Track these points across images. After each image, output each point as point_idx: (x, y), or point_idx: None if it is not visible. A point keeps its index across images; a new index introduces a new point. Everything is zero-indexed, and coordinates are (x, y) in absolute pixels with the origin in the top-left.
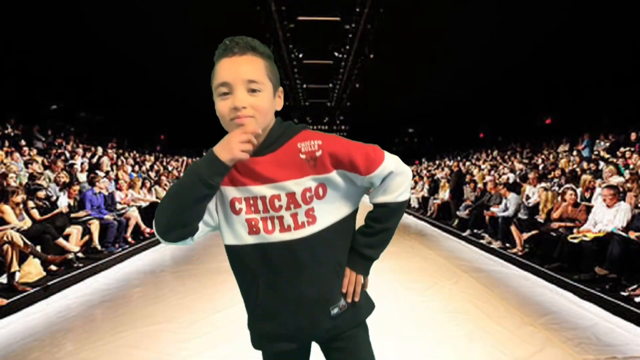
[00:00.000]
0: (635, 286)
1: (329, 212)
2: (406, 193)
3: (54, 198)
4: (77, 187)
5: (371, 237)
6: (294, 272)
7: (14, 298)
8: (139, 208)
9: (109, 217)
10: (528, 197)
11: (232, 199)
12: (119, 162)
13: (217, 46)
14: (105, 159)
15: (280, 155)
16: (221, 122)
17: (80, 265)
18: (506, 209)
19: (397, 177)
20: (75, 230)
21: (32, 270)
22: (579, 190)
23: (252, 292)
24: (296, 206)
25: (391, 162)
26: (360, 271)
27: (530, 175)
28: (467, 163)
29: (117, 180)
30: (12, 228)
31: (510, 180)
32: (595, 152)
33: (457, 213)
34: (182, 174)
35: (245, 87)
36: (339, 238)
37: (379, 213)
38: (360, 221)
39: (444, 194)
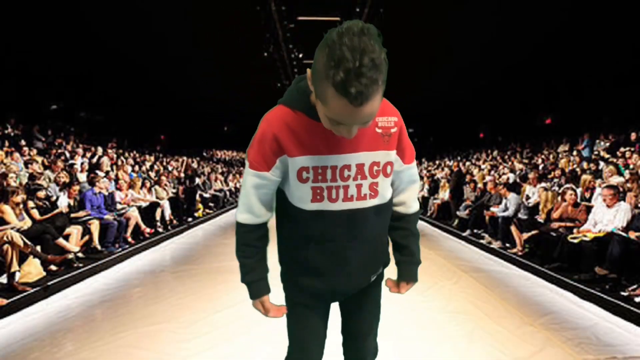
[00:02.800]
0: (635, 286)
1: (388, 189)
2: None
3: (54, 198)
4: (77, 187)
5: (415, 246)
6: (347, 241)
7: (14, 298)
8: (139, 208)
9: (109, 217)
10: (528, 197)
11: (300, 168)
12: (119, 162)
13: (324, 68)
14: (105, 159)
15: (362, 128)
16: (319, 113)
17: (80, 265)
18: (506, 209)
19: (419, 183)
20: (75, 230)
21: (32, 270)
22: (579, 190)
23: (301, 252)
24: (362, 177)
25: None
26: (415, 279)
27: (530, 175)
28: (467, 163)
29: (117, 180)
30: (12, 228)
31: (510, 180)
32: (595, 152)
33: (457, 213)
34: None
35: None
36: (388, 215)
37: (412, 222)
38: None
39: (444, 194)
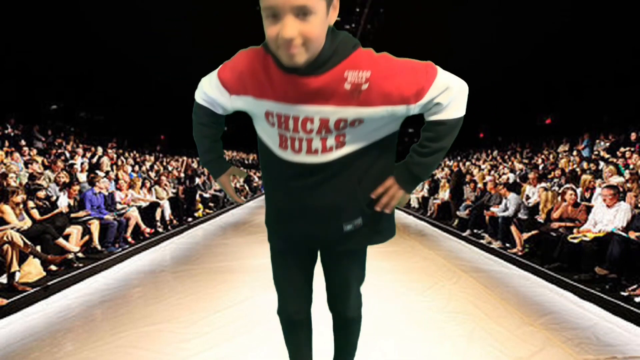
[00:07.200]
0: (635, 286)
1: (360, 138)
2: (463, 108)
3: (54, 198)
4: (77, 187)
5: (425, 157)
6: (314, 188)
7: (14, 298)
8: (139, 208)
9: (109, 217)
10: (528, 197)
11: (265, 111)
12: (119, 162)
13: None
14: (105, 159)
15: (326, 80)
16: (267, 41)
17: (80, 265)
18: (506, 209)
19: (452, 93)
20: (75, 230)
21: (32, 270)
22: (579, 190)
23: (273, 196)
24: (327, 132)
25: (445, 78)
26: (403, 186)
27: (530, 175)
28: (467, 163)
29: (117, 180)
30: (12, 228)
31: (510, 180)
32: (595, 152)
33: (457, 213)
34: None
35: (295, 13)
36: (365, 158)
37: (436, 131)
38: None
39: (444, 194)
